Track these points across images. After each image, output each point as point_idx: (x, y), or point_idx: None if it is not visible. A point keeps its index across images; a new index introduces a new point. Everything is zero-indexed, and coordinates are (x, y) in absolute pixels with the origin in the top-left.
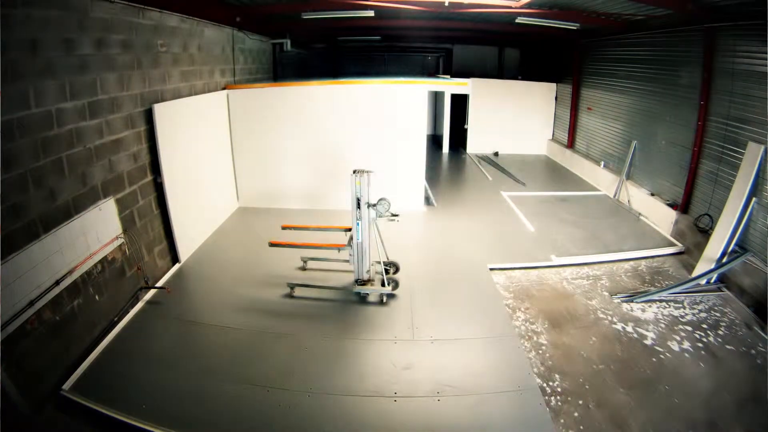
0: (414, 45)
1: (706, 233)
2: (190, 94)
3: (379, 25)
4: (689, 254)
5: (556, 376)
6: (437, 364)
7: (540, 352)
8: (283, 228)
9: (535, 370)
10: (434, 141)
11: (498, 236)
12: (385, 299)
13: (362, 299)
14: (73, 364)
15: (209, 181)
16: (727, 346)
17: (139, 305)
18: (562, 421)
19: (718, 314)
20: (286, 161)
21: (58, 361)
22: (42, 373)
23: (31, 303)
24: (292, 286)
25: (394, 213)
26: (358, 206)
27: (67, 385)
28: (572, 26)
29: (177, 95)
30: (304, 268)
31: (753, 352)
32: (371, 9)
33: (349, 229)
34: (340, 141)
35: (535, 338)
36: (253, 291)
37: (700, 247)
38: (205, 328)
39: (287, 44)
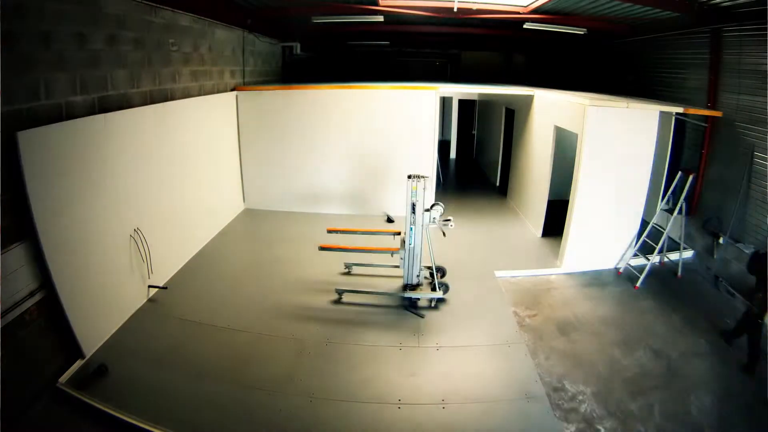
0: (422, 50)
1: (715, 236)
2: (199, 94)
3: (388, 30)
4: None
5: (564, 383)
6: (443, 371)
7: (548, 359)
8: (329, 231)
9: (543, 377)
10: (442, 146)
11: (504, 242)
12: (434, 303)
13: (411, 304)
14: (70, 358)
15: (210, 184)
16: None
17: (141, 303)
18: (570, 429)
19: None
20: (293, 164)
21: (55, 353)
22: (39, 365)
23: (32, 293)
24: (340, 292)
25: (446, 218)
26: (413, 211)
27: (63, 378)
28: (579, 31)
29: (187, 95)
30: (348, 273)
31: None
32: (381, 14)
33: (399, 233)
34: (349, 145)
35: (542, 345)
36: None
37: (709, 249)
38: (207, 328)
39: (297, 47)
